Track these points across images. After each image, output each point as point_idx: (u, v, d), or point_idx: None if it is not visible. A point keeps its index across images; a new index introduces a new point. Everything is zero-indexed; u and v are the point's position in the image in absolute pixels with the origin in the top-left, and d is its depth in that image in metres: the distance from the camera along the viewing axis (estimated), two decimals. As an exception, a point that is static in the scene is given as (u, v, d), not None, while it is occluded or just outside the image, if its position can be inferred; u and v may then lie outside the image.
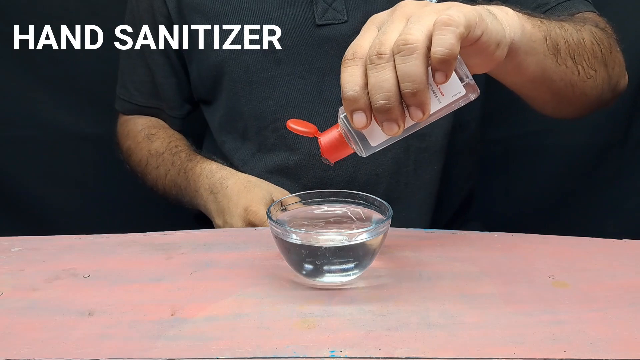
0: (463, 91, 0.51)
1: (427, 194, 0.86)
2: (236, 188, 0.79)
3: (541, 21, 0.63)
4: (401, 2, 0.53)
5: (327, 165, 0.77)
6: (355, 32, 0.76)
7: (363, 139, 0.53)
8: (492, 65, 0.57)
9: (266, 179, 0.83)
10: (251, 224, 0.76)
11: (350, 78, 0.50)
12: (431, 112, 0.51)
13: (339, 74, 0.51)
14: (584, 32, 0.70)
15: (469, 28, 0.50)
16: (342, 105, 0.52)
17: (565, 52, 0.66)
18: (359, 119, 0.50)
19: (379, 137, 0.53)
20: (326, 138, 0.54)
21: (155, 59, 0.92)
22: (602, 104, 0.77)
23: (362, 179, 0.82)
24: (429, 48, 0.48)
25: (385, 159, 0.82)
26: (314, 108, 0.81)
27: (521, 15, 0.60)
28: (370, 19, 0.54)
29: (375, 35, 0.51)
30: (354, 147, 0.54)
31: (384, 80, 0.48)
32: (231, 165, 0.86)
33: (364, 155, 0.54)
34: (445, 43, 0.48)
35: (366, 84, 0.49)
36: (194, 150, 0.90)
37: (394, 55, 0.48)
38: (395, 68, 0.48)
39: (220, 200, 0.80)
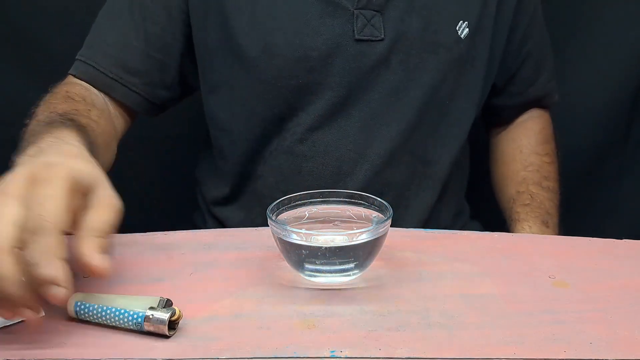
0: None
1: (424, 215, 0.86)
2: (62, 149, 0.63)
3: None
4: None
5: (328, 182, 0.79)
6: (389, 51, 0.79)
7: None
8: None
9: (264, 185, 0.83)
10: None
11: None
12: None
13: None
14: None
15: None
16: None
17: None
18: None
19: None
20: None
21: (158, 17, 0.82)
22: None
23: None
24: None
25: (392, 177, 0.82)
26: (336, 120, 0.80)
27: None
28: None
29: None
30: None
31: None
32: (224, 158, 0.85)
33: None
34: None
35: None
36: (68, 126, 0.70)
37: None
38: None
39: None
